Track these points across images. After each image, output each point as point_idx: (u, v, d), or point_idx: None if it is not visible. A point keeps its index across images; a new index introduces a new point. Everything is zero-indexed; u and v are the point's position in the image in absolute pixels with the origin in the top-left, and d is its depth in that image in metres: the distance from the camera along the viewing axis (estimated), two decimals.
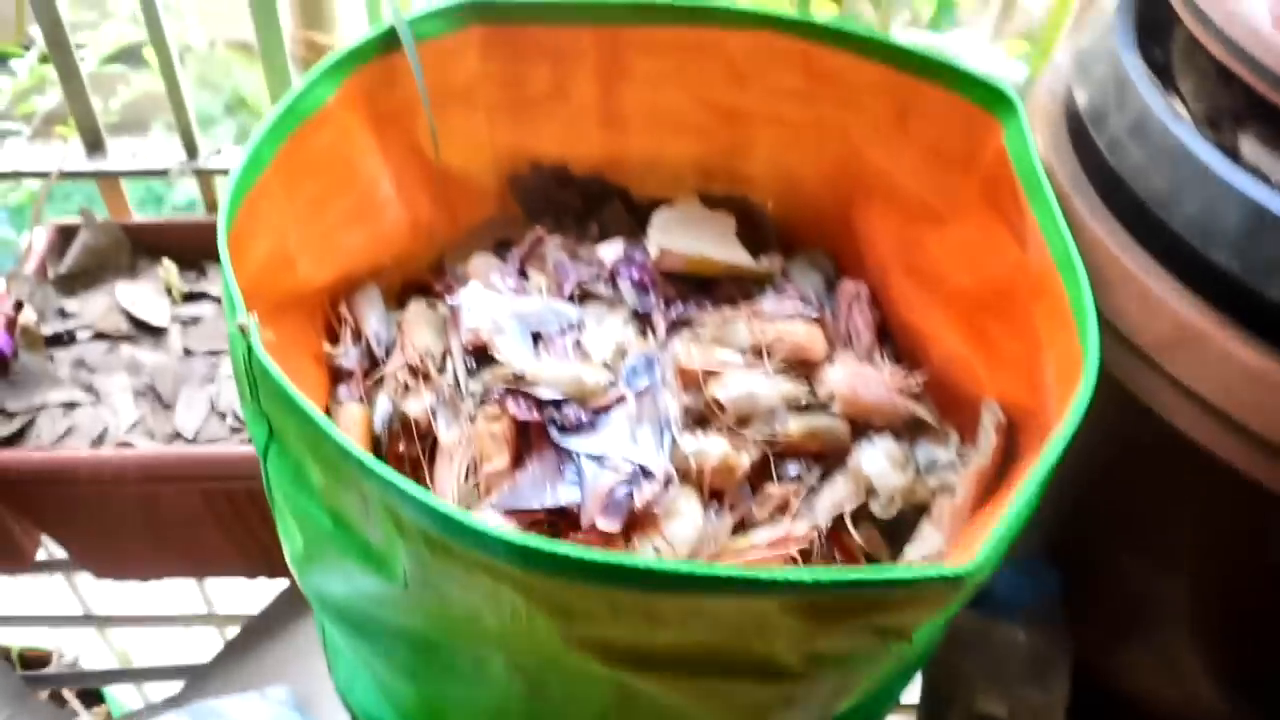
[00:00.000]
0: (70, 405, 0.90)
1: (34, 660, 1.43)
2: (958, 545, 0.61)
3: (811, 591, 0.42)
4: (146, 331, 0.98)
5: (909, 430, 0.71)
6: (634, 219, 0.85)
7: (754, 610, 0.43)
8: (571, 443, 0.63)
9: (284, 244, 0.66)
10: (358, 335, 0.74)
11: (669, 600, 0.42)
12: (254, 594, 1.12)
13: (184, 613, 1.32)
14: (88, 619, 1.32)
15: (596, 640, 0.46)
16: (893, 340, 0.78)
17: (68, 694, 1.43)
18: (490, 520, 0.61)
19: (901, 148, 0.73)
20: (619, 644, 0.46)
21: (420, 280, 0.82)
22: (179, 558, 1.02)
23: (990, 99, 0.66)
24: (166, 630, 1.35)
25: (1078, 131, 0.65)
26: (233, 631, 1.38)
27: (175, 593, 1.15)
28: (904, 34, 1.05)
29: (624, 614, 0.43)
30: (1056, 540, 0.77)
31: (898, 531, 0.68)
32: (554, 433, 0.64)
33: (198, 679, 1.00)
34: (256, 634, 1.00)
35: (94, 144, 1.12)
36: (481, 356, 0.69)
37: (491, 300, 0.72)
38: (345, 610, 0.59)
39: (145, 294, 1.01)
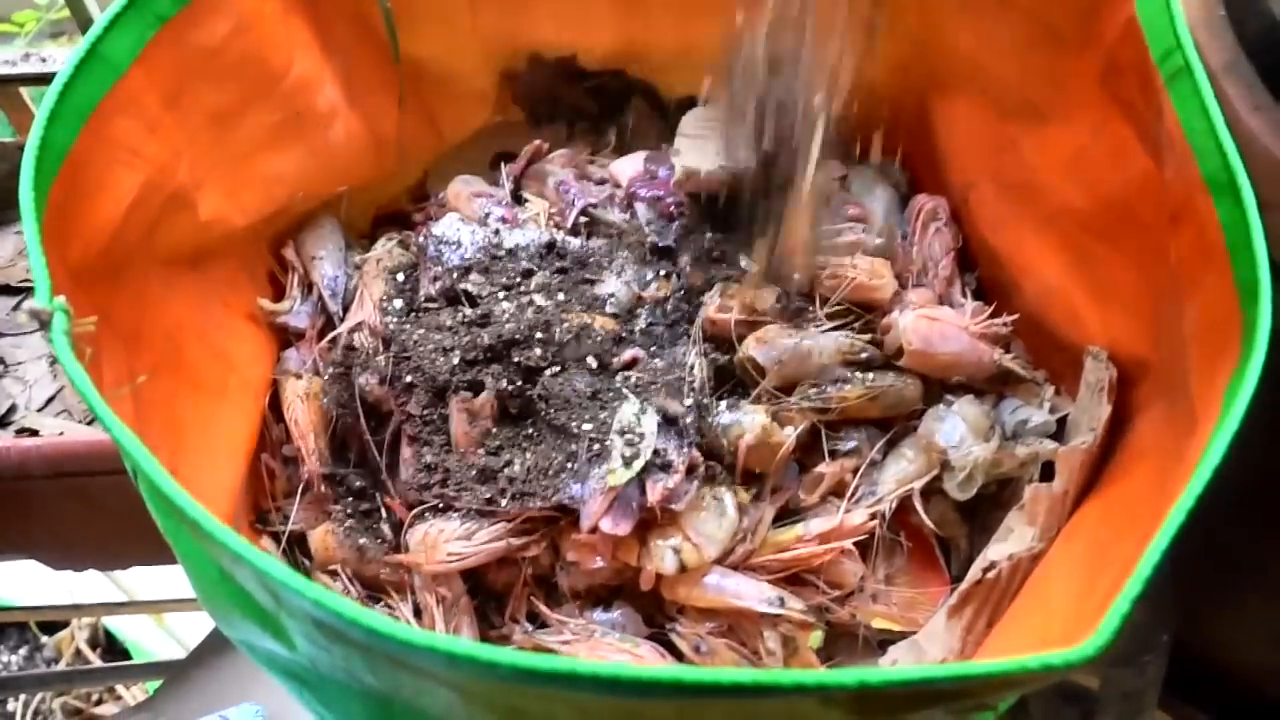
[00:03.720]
0: None
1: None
2: (1056, 544, 0.56)
3: (855, 692, 0.34)
4: None
5: (994, 384, 0.66)
6: (664, 122, 0.81)
7: (781, 711, 0.37)
8: (568, 421, 0.59)
9: (169, 175, 0.58)
10: (309, 286, 0.69)
11: (653, 707, 0.36)
12: None
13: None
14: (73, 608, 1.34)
15: None
16: (976, 270, 0.73)
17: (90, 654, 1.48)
18: (463, 525, 0.58)
19: (995, 20, 0.66)
20: None
21: (397, 209, 0.79)
22: (137, 547, 0.97)
23: None
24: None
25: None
26: None
27: None
28: None
29: (594, 716, 0.38)
30: None
31: (979, 506, 0.64)
32: (546, 409, 0.60)
33: (171, 684, 0.98)
34: (227, 642, 0.99)
35: None
36: (458, 308, 0.65)
37: (471, 236, 0.68)
38: (269, 662, 0.54)
39: None
